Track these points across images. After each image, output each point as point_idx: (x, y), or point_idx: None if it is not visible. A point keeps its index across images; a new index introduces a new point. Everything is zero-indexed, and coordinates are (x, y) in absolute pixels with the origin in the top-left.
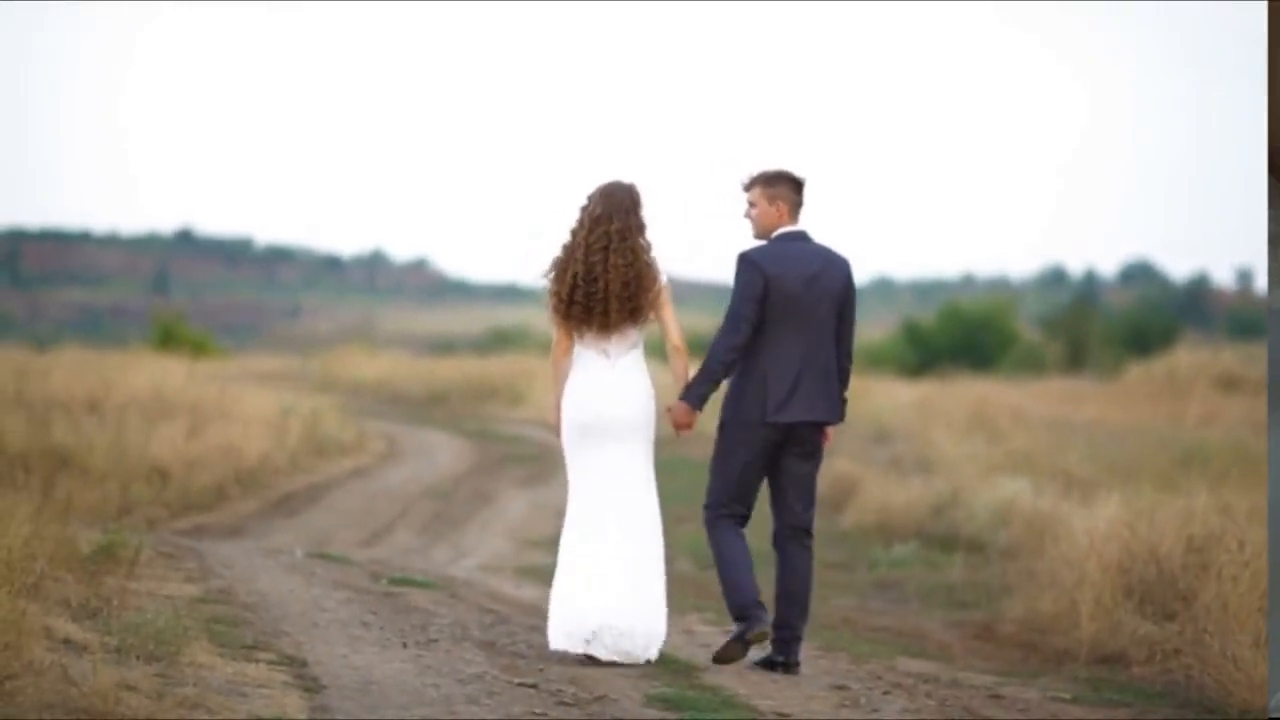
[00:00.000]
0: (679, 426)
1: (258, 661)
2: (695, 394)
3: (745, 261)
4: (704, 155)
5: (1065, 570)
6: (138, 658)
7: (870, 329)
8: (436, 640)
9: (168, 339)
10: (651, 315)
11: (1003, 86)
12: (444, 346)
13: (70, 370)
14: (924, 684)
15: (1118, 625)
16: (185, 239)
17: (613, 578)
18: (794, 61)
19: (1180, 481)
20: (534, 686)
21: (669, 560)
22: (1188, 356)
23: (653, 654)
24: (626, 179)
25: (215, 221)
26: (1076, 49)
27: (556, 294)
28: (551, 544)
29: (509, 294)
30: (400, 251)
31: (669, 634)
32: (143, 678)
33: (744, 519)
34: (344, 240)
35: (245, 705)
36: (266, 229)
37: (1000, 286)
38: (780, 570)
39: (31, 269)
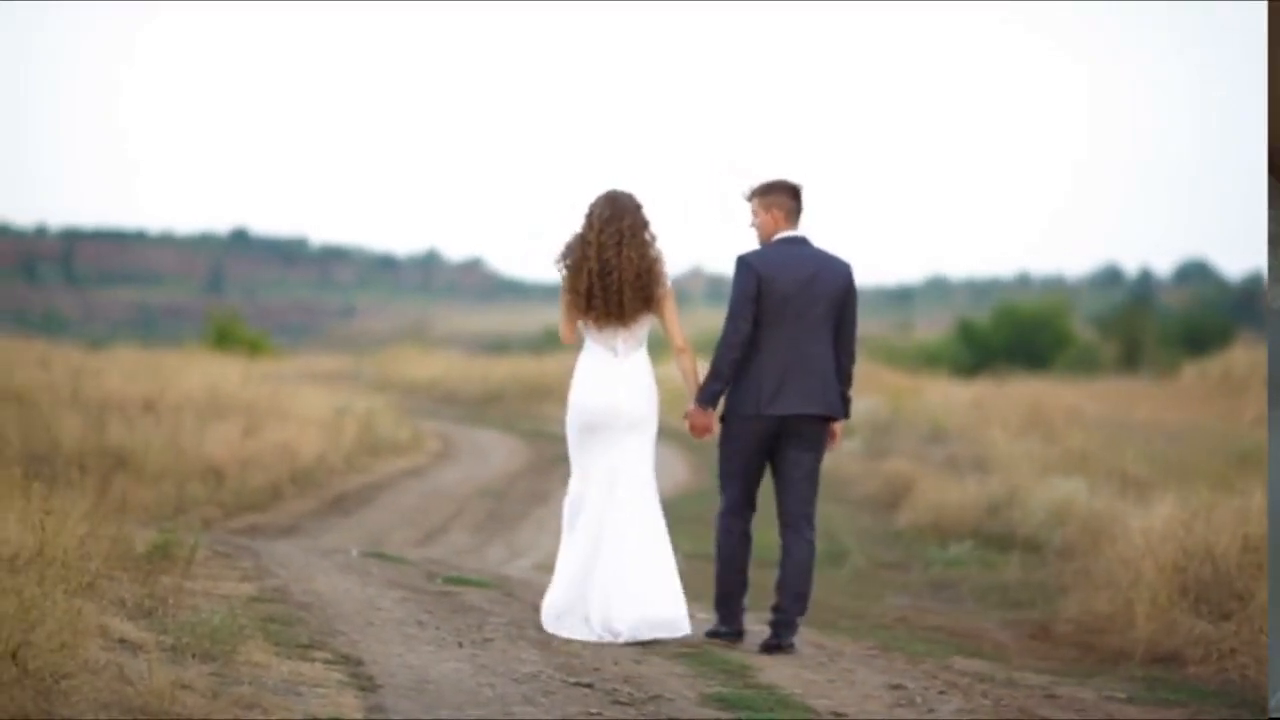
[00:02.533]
0: (696, 430)
1: (313, 660)
2: (706, 394)
3: (740, 263)
4: (756, 158)
5: (1121, 570)
6: (193, 657)
7: (925, 328)
8: (492, 639)
9: (223, 339)
10: (657, 314)
11: (1052, 88)
12: (498, 346)
13: (126, 370)
14: (979, 683)
15: (1173, 625)
16: (240, 238)
17: (607, 568)
18: (864, 64)
19: (1236, 481)
20: (589, 686)
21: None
22: (1244, 355)
23: (677, 632)
24: (624, 188)
25: (270, 221)
26: (1113, 52)
27: (574, 289)
28: None
29: None
30: (455, 251)
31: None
32: (198, 677)
33: (749, 507)
34: (399, 240)
35: (301, 704)
36: (321, 228)
37: (1055, 286)
38: (782, 559)
39: (87, 268)
